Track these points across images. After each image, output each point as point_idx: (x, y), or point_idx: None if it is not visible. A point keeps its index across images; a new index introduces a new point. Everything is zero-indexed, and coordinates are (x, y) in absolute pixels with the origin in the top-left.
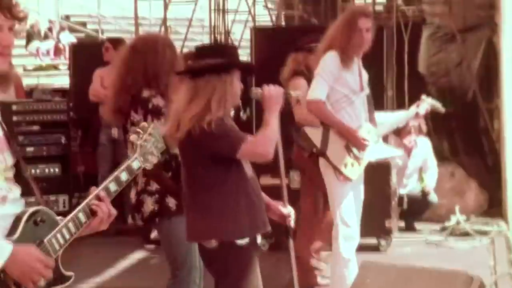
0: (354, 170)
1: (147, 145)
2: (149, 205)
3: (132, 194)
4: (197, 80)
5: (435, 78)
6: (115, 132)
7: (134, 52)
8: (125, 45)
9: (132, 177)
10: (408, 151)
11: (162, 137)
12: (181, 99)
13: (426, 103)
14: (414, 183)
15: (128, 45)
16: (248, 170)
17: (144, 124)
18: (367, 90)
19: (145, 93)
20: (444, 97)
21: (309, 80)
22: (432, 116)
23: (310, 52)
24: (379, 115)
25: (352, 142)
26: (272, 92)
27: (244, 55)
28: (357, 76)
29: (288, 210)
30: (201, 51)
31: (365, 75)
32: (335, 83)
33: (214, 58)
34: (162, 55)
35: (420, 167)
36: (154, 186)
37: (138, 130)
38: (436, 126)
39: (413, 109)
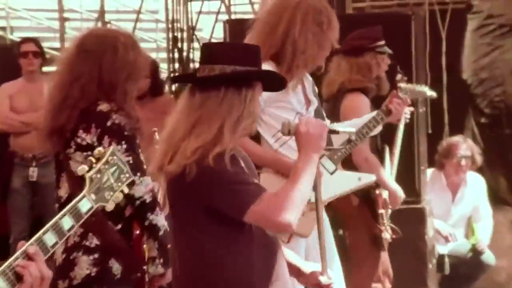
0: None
1: (102, 177)
2: (84, 267)
3: (59, 251)
4: (206, 94)
5: (485, 88)
6: (34, 172)
7: (83, 54)
8: (69, 45)
9: (79, 223)
10: (452, 191)
11: (127, 165)
12: (180, 120)
13: (404, 92)
14: (460, 238)
15: (73, 45)
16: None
17: (99, 150)
18: (315, 102)
19: (102, 107)
20: (499, 114)
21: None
22: (484, 142)
23: (376, 54)
24: (339, 125)
25: None
26: (311, 129)
27: None
28: (300, 94)
29: (327, 280)
30: (212, 52)
31: (308, 84)
32: (273, 107)
33: (233, 63)
34: (123, 57)
35: (469, 216)
36: (93, 242)
37: (90, 158)
38: (490, 157)
39: (383, 108)
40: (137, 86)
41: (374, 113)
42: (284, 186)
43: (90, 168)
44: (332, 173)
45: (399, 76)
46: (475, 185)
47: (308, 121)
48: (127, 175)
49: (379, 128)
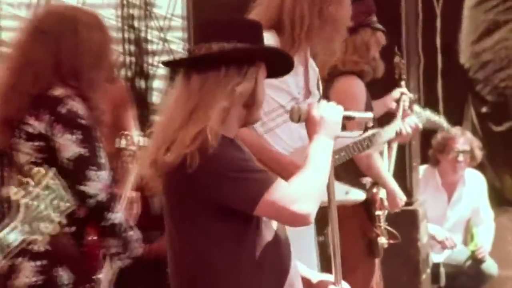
0: None
1: (38, 205)
2: (27, 275)
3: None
4: (204, 75)
5: (487, 72)
6: None
7: (38, 35)
8: (23, 25)
9: (7, 257)
10: (448, 190)
11: (67, 190)
12: (177, 108)
13: (417, 117)
14: (458, 244)
15: (28, 25)
16: (279, 229)
17: (38, 170)
18: (316, 95)
19: (57, 92)
20: (504, 102)
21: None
22: (486, 136)
23: (374, 31)
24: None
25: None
26: (325, 113)
27: (176, 42)
28: (301, 77)
29: None
30: (209, 29)
31: (313, 74)
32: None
33: (232, 40)
34: (86, 38)
35: (467, 219)
36: (40, 246)
37: (26, 180)
38: (492, 152)
39: (395, 125)
40: (105, 73)
41: (377, 130)
42: (300, 174)
43: (25, 192)
44: None
45: (397, 58)
46: (475, 184)
47: (321, 105)
48: (67, 204)
49: (381, 146)
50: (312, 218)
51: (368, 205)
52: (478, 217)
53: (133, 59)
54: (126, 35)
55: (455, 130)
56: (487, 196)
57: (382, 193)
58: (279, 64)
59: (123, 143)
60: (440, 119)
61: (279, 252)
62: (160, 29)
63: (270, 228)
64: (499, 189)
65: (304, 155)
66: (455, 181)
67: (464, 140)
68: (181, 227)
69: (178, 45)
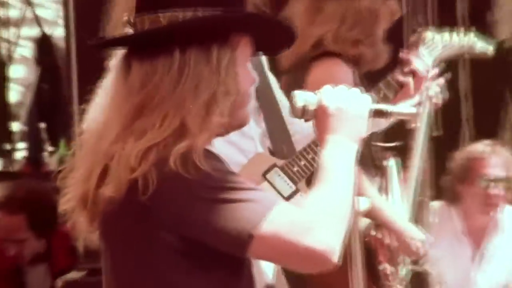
0: None
1: None
2: None
3: None
4: (149, 63)
5: None
6: None
7: None
8: None
9: None
10: (475, 241)
11: None
12: (110, 111)
13: (427, 48)
14: None
15: None
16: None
17: None
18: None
19: None
20: None
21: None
22: None
23: None
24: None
25: None
26: (342, 103)
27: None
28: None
29: None
30: None
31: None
32: None
33: (192, 5)
34: None
35: (505, 285)
36: None
37: None
38: None
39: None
40: None
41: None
42: (312, 193)
43: None
44: (288, 198)
45: (419, 31)
46: None
47: (338, 92)
48: None
49: (380, 125)
50: (336, 255)
51: (367, 259)
52: None
53: None
54: None
55: (484, 146)
56: None
57: (388, 238)
58: (272, 35)
59: None
60: (482, 42)
61: None
62: None
63: (262, 276)
64: None
65: (316, 166)
66: (485, 226)
67: (499, 162)
68: (131, 284)
69: (49, 11)
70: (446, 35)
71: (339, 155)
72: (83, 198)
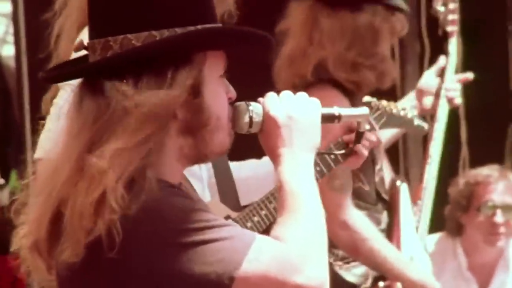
0: None
1: None
2: None
3: None
4: (100, 93)
5: None
6: None
7: None
8: None
9: None
10: (480, 278)
11: None
12: (66, 145)
13: (373, 114)
14: None
15: None
16: None
17: None
18: None
19: None
20: None
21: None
22: None
23: (389, 11)
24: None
25: None
26: (291, 110)
27: None
28: None
29: None
30: (106, 11)
31: None
32: None
33: (144, 26)
34: None
35: None
36: None
37: None
38: None
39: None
40: None
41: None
42: (287, 221)
43: None
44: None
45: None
46: None
47: (284, 97)
48: None
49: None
50: (327, 284)
51: None
52: None
53: None
54: None
55: (490, 169)
56: None
57: None
58: (246, 46)
59: None
60: (413, 115)
61: None
62: None
63: None
64: None
65: (273, 191)
66: (491, 260)
67: (506, 187)
68: None
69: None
70: (391, 104)
71: (300, 173)
72: (36, 246)
